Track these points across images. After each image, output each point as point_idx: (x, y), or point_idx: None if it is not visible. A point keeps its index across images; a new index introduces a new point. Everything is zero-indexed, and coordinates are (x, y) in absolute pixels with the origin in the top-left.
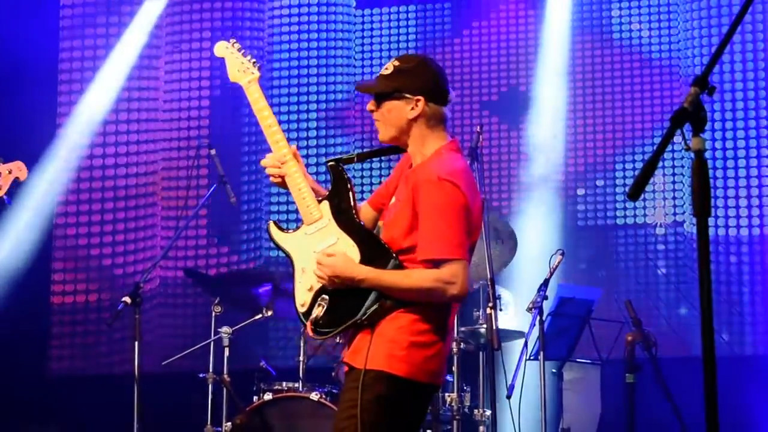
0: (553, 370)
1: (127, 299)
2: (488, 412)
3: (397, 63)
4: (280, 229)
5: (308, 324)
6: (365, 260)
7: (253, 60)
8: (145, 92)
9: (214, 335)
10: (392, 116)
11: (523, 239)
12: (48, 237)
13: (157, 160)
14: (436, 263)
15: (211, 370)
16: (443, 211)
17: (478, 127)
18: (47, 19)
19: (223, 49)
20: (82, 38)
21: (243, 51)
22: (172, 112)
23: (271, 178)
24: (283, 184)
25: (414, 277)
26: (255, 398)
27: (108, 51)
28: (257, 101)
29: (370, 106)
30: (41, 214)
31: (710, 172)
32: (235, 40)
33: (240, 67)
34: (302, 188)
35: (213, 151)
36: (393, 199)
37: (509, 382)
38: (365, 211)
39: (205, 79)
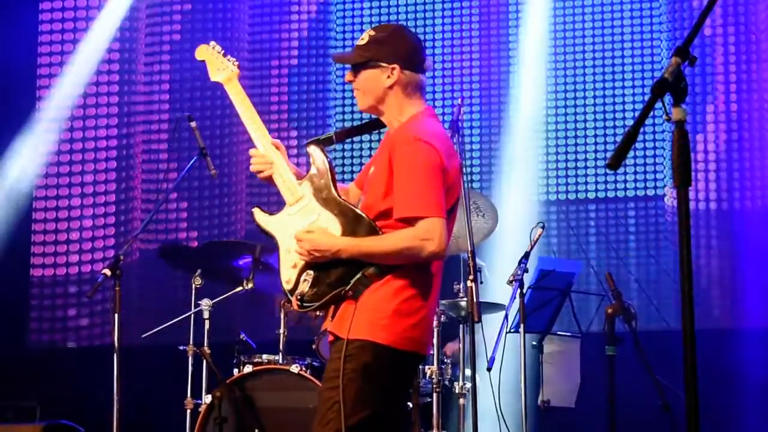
0: (533, 343)
1: (107, 272)
2: (468, 385)
3: (372, 33)
4: (265, 212)
5: (294, 299)
6: (347, 232)
7: (233, 59)
8: (125, 64)
9: (195, 308)
10: (369, 85)
11: (503, 212)
12: (27, 209)
13: (136, 132)
14: (411, 221)
15: (191, 343)
16: (418, 170)
17: (459, 100)
18: None
19: (204, 51)
20: (62, 10)
21: (223, 52)
22: (152, 84)
23: (258, 175)
24: (268, 179)
25: (391, 239)
26: (235, 371)
27: (88, 22)
28: (237, 97)
29: (348, 76)
30: (20, 187)
31: (690, 144)
32: (215, 43)
33: (219, 66)
34: (282, 172)
35: (193, 123)
36: (372, 169)
37: (489, 355)
38: (353, 192)
39: (186, 51)
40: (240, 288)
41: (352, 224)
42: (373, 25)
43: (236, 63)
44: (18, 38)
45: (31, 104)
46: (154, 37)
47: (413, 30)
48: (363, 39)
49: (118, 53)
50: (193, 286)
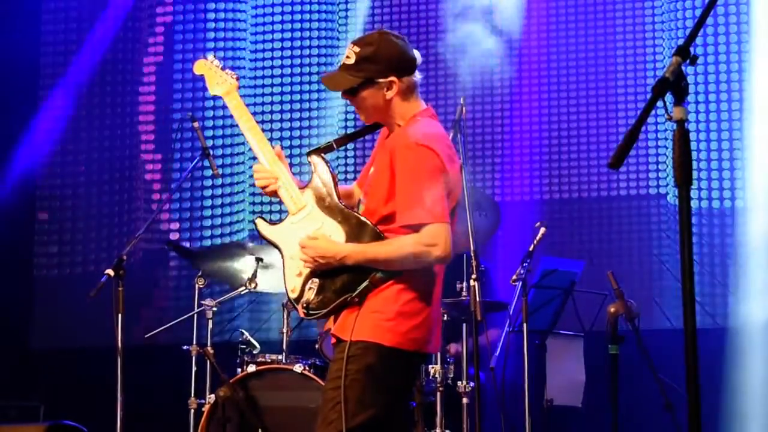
0: (537, 342)
1: (110, 272)
2: (471, 384)
3: (357, 49)
4: (268, 222)
5: (299, 307)
6: (351, 239)
7: (232, 72)
8: (128, 64)
9: (198, 308)
10: (370, 103)
11: (505, 211)
12: (30, 209)
13: (139, 131)
14: (415, 228)
15: (194, 343)
16: (420, 176)
17: (462, 99)
18: None
19: (202, 65)
20: (66, 11)
21: (221, 65)
22: (155, 84)
23: (263, 190)
24: (271, 193)
25: (396, 245)
26: (239, 370)
27: (92, 21)
28: (237, 110)
29: (344, 95)
30: (23, 186)
31: (693, 143)
32: (213, 57)
33: (218, 80)
34: (285, 182)
35: (196, 124)
36: (372, 170)
37: (492, 354)
38: (356, 193)
39: (188, 52)
40: (243, 289)
41: (356, 231)
42: (374, 28)
43: (235, 75)
44: (21, 36)
45: (33, 103)
46: (157, 36)
47: (411, 27)
48: (349, 57)
49: (121, 52)
50: (197, 286)
